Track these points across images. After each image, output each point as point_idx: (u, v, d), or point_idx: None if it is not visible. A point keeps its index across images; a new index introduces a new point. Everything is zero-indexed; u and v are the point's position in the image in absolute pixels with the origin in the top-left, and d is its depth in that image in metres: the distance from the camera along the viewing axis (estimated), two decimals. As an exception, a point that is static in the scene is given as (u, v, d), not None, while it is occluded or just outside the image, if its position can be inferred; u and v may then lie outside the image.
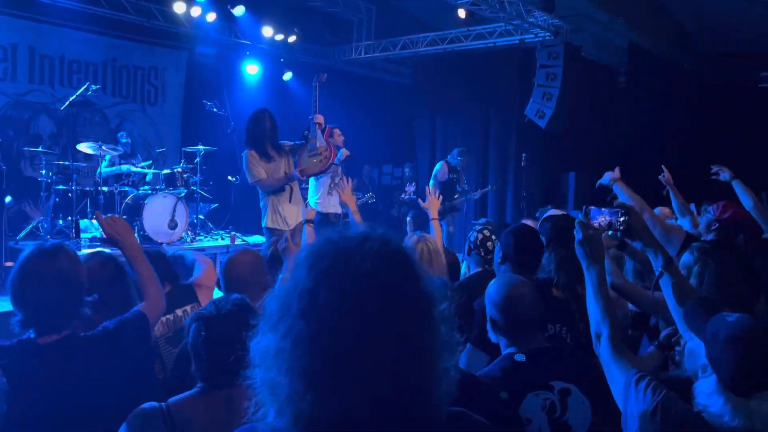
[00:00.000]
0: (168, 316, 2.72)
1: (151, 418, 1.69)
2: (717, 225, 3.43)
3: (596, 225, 2.01)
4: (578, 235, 1.93)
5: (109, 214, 2.32)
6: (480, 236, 3.56)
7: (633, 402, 1.62)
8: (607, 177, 3.85)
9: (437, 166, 8.44)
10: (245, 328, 1.76)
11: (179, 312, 2.75)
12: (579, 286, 2.90)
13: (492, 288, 2.18)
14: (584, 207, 2.06)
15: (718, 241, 3.32)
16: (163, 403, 1.74)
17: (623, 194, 3.65)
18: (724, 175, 4.25)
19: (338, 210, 6.86)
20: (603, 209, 2.06)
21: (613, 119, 10.03)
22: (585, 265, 1.93)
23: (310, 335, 0.95)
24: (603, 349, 1.81)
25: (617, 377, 1.73)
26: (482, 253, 3.51)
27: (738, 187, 4.15)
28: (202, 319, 1.79)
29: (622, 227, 2.00)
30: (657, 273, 1.98)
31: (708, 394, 1.51)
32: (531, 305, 2.11)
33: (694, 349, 1.63)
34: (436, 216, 4.07)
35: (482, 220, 6.23)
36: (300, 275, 0.99)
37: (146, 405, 1.72)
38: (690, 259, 2.34)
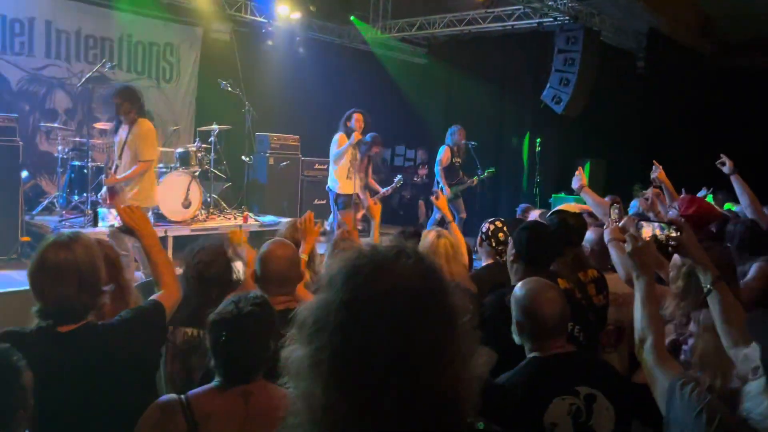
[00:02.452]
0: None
1: (171, 410, 1.73)
2: (683, 221, 3.47)
3: (645, 237, 2.06)
4: (628, 246, 1.98)
5: (127, 204, 2.34)
6: (491, 227, 3.57)
7: (677, 406, 1.66)
8: (575, 183, 3.89)
9: (440, 151, 8.12)
10: (265, 328, 1.81)
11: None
12: (582, 274, 2.92)
13: (519, 291, 2.17)
14: (637, 222, 2.12)
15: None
16: (182, 396, 1.77)
17: (589, 200, 3.74)
18: (726, 167, 4.23)
19: (355, 190, 6.93)
20: (654, 222, 2.13)
21: (631, 105, 9.92)
22: (635, 276, 1.98)
23: (347, 349, 0.98)
24: (647, 355, 1.84)
25: (660, 382, 1.76)
26: (493, 244, 3.51)
27: (736, 183, 4.14)
28: (223, 320, 1.81)
29: (673, 243, 2.06)
30: (705, 290, 2.03)
31: (755, 395, 1.55)
32: (559, 310, 2.11)
33: (749, 354, 1.67)
34: (451, 218, 4.09)
35: (522, 206, 6.14)
36: (335, 288, 1.02)
37: (165, 397, 1.75)
38: None
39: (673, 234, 2.05)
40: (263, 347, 1.81)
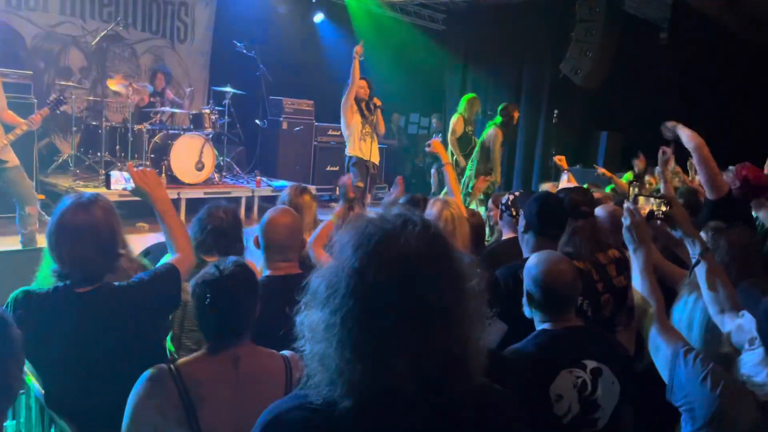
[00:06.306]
0: None
1: (161, 380, 1.71)
2: (738, 184, 3.51)
3: (643, 213, 2.13)
4: (626, 221, 2.04)
5: (140, 167, 2.31)
6: (511, 197, 3.52)
7: (681, 372, 1.72)
8: (669, 130, 3.72)
9: (452, 120, 7.58)
10: (248, 289, 1.81)
11: None
12: (601, 255, 2.88)
13: (531, 262, 2.16)
14: (634, 196, 2.19)
15: (735, 200, 3.43)
16: (171, 365, 1.76)
17: (684, 135, 3.55)
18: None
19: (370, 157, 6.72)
20: (650, 198, 2.20)
21: (651, 78, 9.72)
22: (632, 249, 2.05)
23: (359, 312, 1.02)
24: (648, 324, 1.89)
25: (663, 350, 1.82)
26: (514, 213, 3.47)
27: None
28: (206, 282, 1.79)
29: (661, 216, 2.15)
30: (694, 260, 2.12)
31: (753, 365, 1.65)
32: (570, 282, 2.10)
33: (743, 324, 1.77)
34: (447, 160, 4.06)
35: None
36: (345, 255, 1.06)
37: (153, 369, 1.73)
38: (706, 237, 2.41)
39: (664, 208, 2.14)
40: (247, 308, 1.82)
